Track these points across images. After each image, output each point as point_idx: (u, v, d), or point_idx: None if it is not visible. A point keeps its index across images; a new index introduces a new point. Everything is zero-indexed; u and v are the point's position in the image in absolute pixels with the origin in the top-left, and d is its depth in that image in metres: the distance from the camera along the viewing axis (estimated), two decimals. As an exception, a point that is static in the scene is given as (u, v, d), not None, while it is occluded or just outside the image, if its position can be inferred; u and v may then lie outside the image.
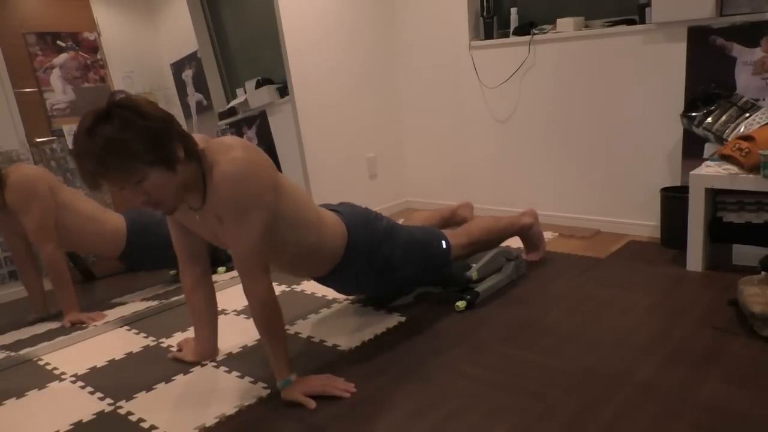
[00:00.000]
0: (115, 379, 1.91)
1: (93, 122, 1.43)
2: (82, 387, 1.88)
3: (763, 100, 2.50)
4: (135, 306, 2.56)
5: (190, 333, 2.15)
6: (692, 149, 2.69)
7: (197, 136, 1.65)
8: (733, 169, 2.30)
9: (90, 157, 1.43)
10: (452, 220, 2.69)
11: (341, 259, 1.97)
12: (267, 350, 1.67)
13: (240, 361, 1.96)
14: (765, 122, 2.40)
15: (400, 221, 2.44)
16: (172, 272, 2.86)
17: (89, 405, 1.77)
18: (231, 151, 1.59)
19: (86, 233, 2.50)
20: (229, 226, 1.60)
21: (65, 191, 2.47)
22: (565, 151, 3.17)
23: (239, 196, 1.57)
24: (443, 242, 2.22)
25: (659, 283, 2.34)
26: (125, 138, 1.43)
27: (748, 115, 2.47)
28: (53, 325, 2.44)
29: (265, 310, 1.63)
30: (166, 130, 1.50)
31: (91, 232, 2.52)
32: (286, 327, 2.01)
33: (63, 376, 1.97)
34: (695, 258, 2.41)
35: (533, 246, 2.70)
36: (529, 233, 2.64)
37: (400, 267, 2.09)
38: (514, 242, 2.74)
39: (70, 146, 2.78)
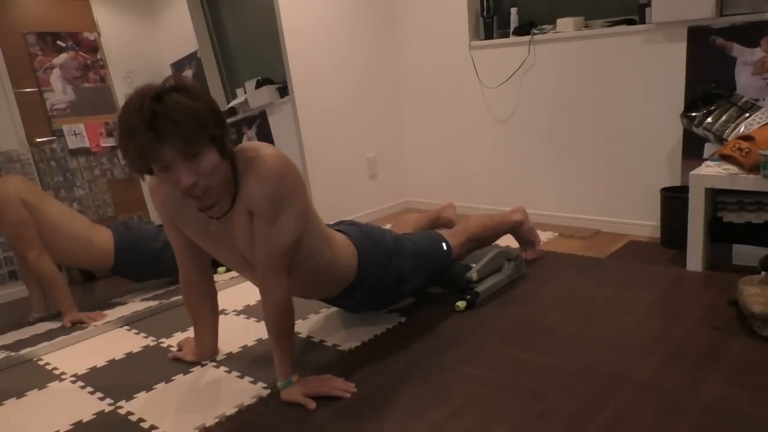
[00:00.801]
0: (115, 379, 1.91)
1: (159, 91, 1.41)
2: (82, 387, 1.88)
3: (763, 100, 2.50)
4: (135, 306, 2.56)
5: (190, 333, 2.15)
6: (692, 149, 2.69)
7: None
8: (733, 169, 2.30)
9: (157, 119, 1.39)
10: (438, 221, 2.70)
11: (354, 280, 1.96)
12: (274, 350, 1.67)
13: (240, 361, 1.96)
14: (765, 122, 2.40)
15: (388, 226, 2.44)
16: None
17: (89, 405, 1.77)
18: (263, 149, 1.60)
19: (72, 252, 2.48)
20: (263, 223, 1.58)
21: (50, 207, 2.43)
22: (565, 151, 3.17)
23: (279, 189, 1.56)
24: (444, 244, 2.22)
25: (659, 283, 2.34)
26: (197, 106, 1.43)
27: (748, 115, 2.47)
28: (53, 325, 2.44)
29: (281, 312, 1.63)
30: (221, 116, 1.52)
31: (76, 251, 2.50)
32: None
33: (63, 376, 1.97)
34: (695, 258, 2.41)
35: (528, 242, 2.70)
36: (520, 230, 2.65)
37: (410, 279, 2.10)
38: (514, 242, 2.74)
39: (70, 146, 2.78)
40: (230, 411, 1.67)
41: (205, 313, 1.94)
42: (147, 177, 1.58)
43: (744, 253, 2.42)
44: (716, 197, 2.41)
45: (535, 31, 3.11)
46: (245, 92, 3.28)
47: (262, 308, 1.66)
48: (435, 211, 2.74)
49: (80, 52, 2.81)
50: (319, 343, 2.05)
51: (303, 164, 3.33)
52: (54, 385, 1.92)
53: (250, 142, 1.67)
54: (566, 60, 3.04)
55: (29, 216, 2.35)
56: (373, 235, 2.03)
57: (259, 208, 1.58)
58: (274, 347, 1.66)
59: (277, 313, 1.63)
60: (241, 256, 1.73)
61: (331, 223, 2.15)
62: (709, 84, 2.60)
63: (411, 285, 2.13)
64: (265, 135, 3.31)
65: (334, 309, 2.32)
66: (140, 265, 2.64)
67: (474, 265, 2.33)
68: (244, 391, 1.77)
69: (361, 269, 1.95)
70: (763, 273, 2.03)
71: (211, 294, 1.94)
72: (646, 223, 2.95)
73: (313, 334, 2.14)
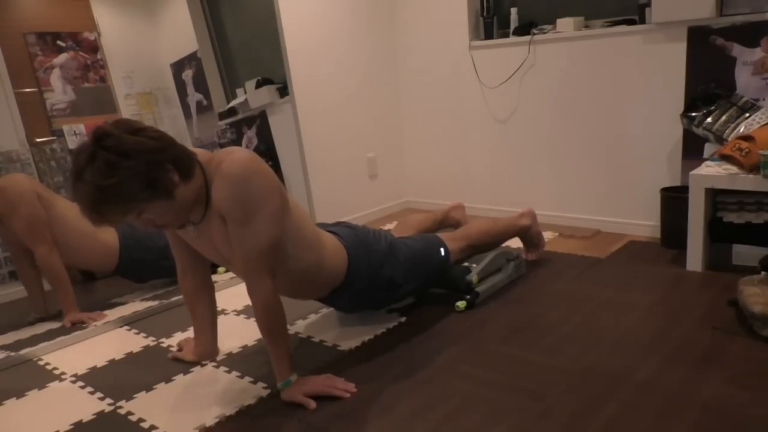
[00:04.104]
0: (115, 379, 1.91)
1: (80, 166, 1.40)
2: (82, 387, 1.88)
3: (763, 100, 2.50)
4: (135, 306, 2.56)
5: (190, 333, 2.15)
6: (692, 149, 2.69)
7: (199, 152, 1.64)
8: (733, 169, 2.30)
9: (84, 201, 1.42)
10: (446, 222, 2.70)
11: (342, 283, 1.96)
12: (269, 351, 1.67)
13: (240, 361, 1.96)
14: (765, 122, 2.40)
15: (393, 225, 2.44)
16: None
17: (89, 405, 1.77)
18: (234, 153, 1.60)
19: (78, 250, 2.48)
20: (235, 227, 1.58)
21: (60, 204, 2.44)
22: (565, 151, 3.17)
23: (246, 192, 1.56)
24: (442, 250, 2.22)
25: (659, 283, 2.34)
26: (113, 183, 1.40)
27: (748, 115, 2.47)
28: (53, 325, 2.44)
29: (268, 312, 1.63)
30: (154, 165, 1.45)
31: (83, 249, 2.50)
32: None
33: (63, 376, 1.97)
34: (695, 258, 2.41)
35: (533, 245, 2.70)
36: (528, 234, 2.64)
37: (402, 284, 2.10)
38: (514, 242, 2.74)
39: (70, 146, 2.78)
40: (230, 411, 1.67)
41: (203, 303, 1.93)
42: None
43: (744, 253, 2.42)
44: (716, 197, 2.41)
45: (535, 31, 3.11)
46: (245, 92, 3.28)
47: (253, 310, 1.66)
48: (443, 211, 2.72)
49: (80, 52, 2.81)
50: (319, 343, 2.05)
51: (303, 164, 3.33)
52: (54, 385, 1.92)
53: (224, 148, 1.67)
54: (566, 60, 3.04)
55: (43, 210, 2.36)
56: (368, 239, 2.03)
57: (228, 212, 1.58)
58: (268, 347, 1.66)
59: (263, 314, 1.63)
60: (224, 256, 1.74)
61: (330, 223, 2.15)
62: (709, 84, 2.60)
63: (403, 289, 2.13)
64: (265, 135, 3.31)
65: (333, 309, 2.32)
66: (145, 262, 2.64)
67: (474, 266, 2.33)
68: (244, 391, 1.77)
69: (349, 273, 1.95)
70: (763, 273, 2.03)
71: (207, 283, 1.94)
72: (646, 223, 2.95)
73: (313, 333, 2.14)
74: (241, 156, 1.58)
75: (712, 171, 2.33)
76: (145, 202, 1.48)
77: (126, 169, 1.41)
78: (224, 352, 2.03)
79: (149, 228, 1.57)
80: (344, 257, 1.94)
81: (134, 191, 1.44)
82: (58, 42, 2.74)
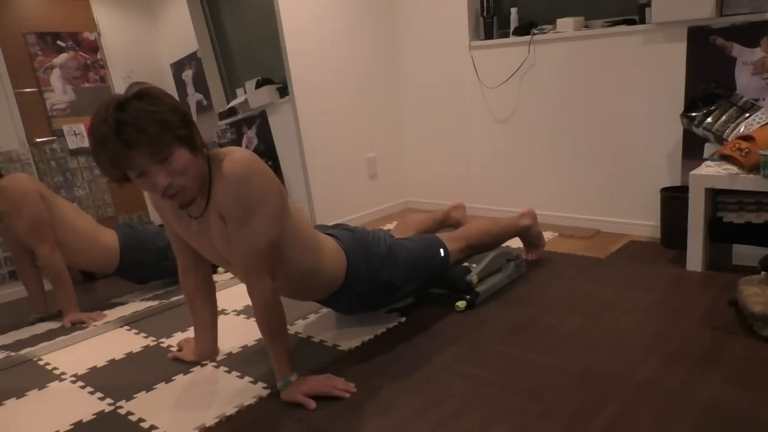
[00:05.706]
0: (115, 379, 1.92)
1: (122, 100, 1.44)
2: (82, 387, 1.88)
3: (763, 100, 2.50)
4: (135, 306, 2.56)
5: (190, 333, 2.15)
6: (692, 149, 2.69)
7: None
8: (733, 169, 2.30)
9: (123, 128, 1.41)
10: (446, 222, 2.70)
11: (341, 286, 1.96)
12: (269, 350, 1.67)
13: (240, 361, 1.96)
14: (765, 122, 2.40)
15: (393, 225, 2.44)
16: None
17: (89, 405, 1.77)
18: (234, 153, 1.61)
19: (78, 251, 2.49)
20: (235, 226, 1.58)
21: (61, 205, 2.45)
22: (565, 151, 3.17)
23: (246, 192, 1.56)
24: (441, 250, 2.22)
25: (659, 283, 2.34)
26: (158, 110, 1.45)
27: (748, 115, 2.47)
28: (53, 325, 2.44)
29: (268, 312, 1.63)
30: (188, 114, 1.54)
31: (84, 250, 2.50)
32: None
33: (63, 376, 1.97)
34: (695, 258, 2.41)
35: (533, 245, 2.70)
36: (528, 234, 2.64)
37: (402, 286, 2.10)
38: (514, 242, 2.74)
39: (70, 146, 2.78)
40: (230, 411, 1.67)
41: (203, 303, 1.93)
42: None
43: (744, 253, 2.42)
44: (716, 197, 2.41)
45: (535, 31, 3.11)
46: (245, 92, 3.28)
47: (253, 309, 1.66)
48: (443, 211, 2.73)
49: (80, 52, 2.80)
50: (319, 343, 2.05)
51: (303, 164, 3.33)
52: (54, 385, 1.92)
53: (225, 147, 1.68)
54: (566, 60, 3.04)
55: (45, 210, 2.36)
56: (367, 242, 2.03)
57: (228, 211, 1.58)
58: (268, 347, 1.67)
59: (264, 313, 1.63)
60: (223, 255, 1.74)
61: (330, 225, 2.15)
62: (709, 84, 2.60)
63: (403, 291, 2.13)
64: (265, 135, 3.31)
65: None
66: (145, 263, 2.65)
67: (474, 266, 2.33)
68: (244, 391, 1.77)
69: (348, 276, 1.95)
70: (763, 273, 2.03)
71: (208, 282, 1.94)
72: (646, 223, 2.95)
73: (313, 334, 2.14)
74: (241, 156, 1.59)
75: (712, 171, 2.33)
76: (177, 143, 1.49)
77: (170, 104, 1.49)
78: (224, 352, 2.03)
79: (166, 191, 1.52)
80: (343, 260, 1.94)
81: (173, 122, 1.47)
82: (58, 42, 2.74)
